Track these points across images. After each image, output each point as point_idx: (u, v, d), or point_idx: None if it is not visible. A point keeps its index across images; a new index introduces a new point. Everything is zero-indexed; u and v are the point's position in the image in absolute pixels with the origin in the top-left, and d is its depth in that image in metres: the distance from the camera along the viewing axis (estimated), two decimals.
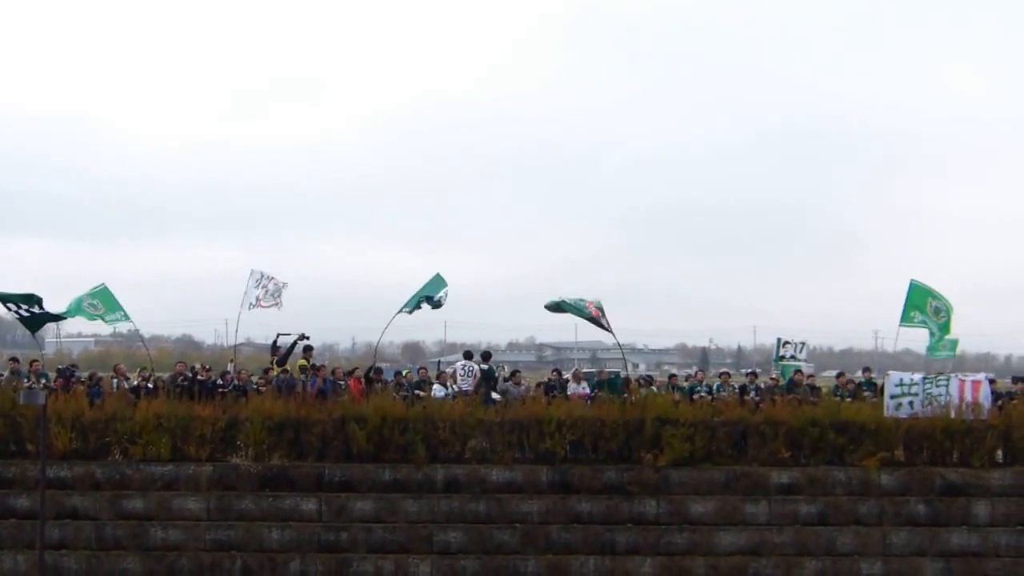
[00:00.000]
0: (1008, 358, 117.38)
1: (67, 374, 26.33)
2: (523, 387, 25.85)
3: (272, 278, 28.11)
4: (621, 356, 29.54)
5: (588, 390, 25.61)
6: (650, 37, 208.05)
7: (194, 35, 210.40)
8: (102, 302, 26.64)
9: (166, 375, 26.57)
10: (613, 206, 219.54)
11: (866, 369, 28.71)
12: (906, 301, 26.78)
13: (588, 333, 26.92)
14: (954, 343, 27.03)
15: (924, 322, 26.87)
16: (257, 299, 27.80)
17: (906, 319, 26.79)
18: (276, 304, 28.33)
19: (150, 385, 25.11)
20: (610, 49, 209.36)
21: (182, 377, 25.01)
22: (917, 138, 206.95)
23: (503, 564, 21.61)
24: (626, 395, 24.32)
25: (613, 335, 26.12)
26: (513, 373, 27.88)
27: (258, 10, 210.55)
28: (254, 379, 26.72)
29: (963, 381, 24.01)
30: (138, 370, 27.14)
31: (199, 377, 25.15)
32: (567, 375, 27.92)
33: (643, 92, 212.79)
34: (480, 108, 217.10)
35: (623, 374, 27.50)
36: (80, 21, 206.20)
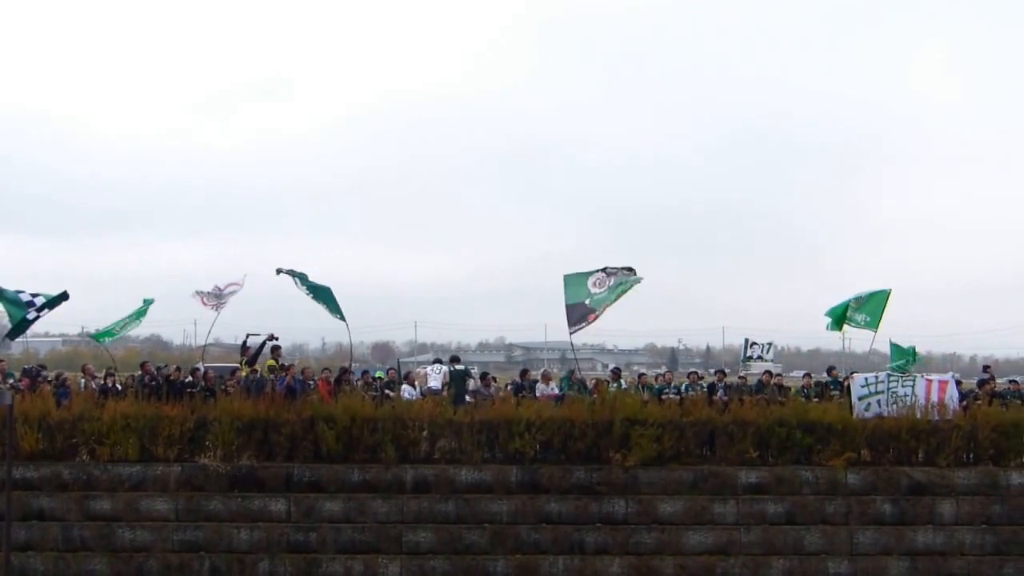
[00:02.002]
0: (973, 358, 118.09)
1: (33, 374, 26.18)
2: (493, 389, 25.89)
3: (220, 287, 28.25)
4: (590, 357, 29.54)
5: (557, 390, 25.65)
6: (623, 39, 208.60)
7: (163, 35, 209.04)
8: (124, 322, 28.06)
9: (134, 375, 26.52)
10: (583, 206, 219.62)
11: (831, 369, 28.86)
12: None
13: (558, 334, 27.11)
14: (912, 351, 27.21)
15: (859, 322, 27.01)
16: (220, 303, 27.83)
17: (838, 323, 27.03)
18: (219, 304, 28.44)
19: (118, 387, 25.01)
20: (583, 50, 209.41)
21: (149, 377, 24.91)
22: (881, 139, 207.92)
23: (472, 564, 21.64)
24: (594, 395, 24.35)
25: (571, 343, 26.20)
26: (483, 375, 27.94)
27: (229, 8, 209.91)
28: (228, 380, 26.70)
29: (930, 381, 24.25)
30: (104, 371, 27.05)
31: (171, 377, 25.09)
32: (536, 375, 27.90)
33: (614, 93, 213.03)
34: (453, 107, 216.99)
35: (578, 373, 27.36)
36: (48, 20, 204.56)
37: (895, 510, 22.27)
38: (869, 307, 26.93)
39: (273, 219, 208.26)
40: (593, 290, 24.92)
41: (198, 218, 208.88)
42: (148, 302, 29.53)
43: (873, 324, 26.80)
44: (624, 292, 24.87)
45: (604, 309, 24.69)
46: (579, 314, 24.85)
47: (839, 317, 27.17)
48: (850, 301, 27.00)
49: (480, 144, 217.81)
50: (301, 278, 26.03)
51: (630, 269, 25.19)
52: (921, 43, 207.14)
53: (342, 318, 26.14)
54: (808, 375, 28.72)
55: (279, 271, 25.90)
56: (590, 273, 25.33)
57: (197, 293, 29.02)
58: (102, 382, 25.52)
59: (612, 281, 24.93)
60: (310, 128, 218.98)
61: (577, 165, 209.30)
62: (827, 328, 27.75)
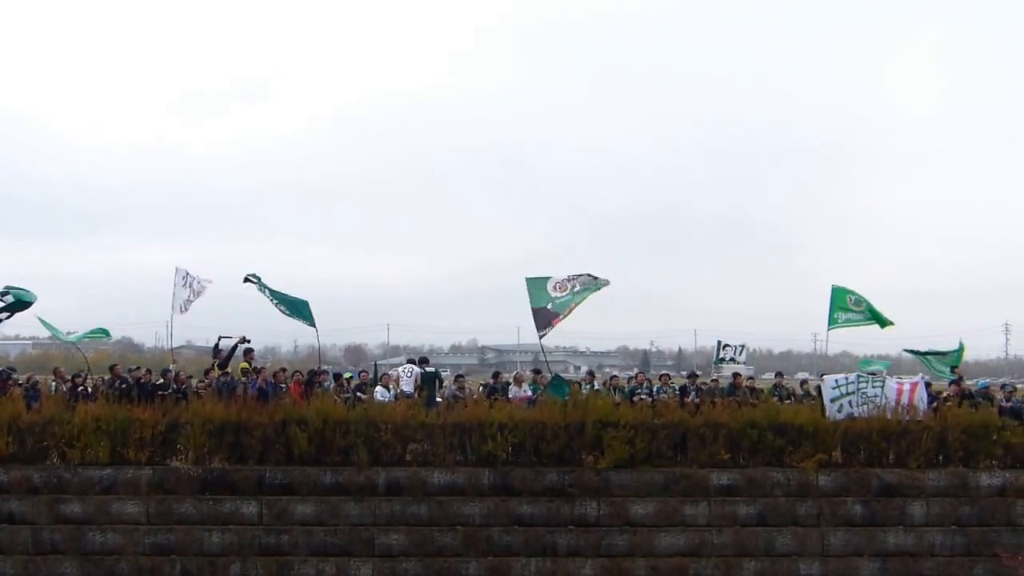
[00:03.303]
0: None
1: (3, 377, 26.04)
2: (467, 391, 25.88)
3: (196, 277, 27.88)
4: (563, 359, 29.66)
5: (529, 393, 25.68)
6: (600, 46, 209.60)
7: (142, 35, 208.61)
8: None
9: (103, 377, 26.41)
10: (557, 209, 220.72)
11: (803, 382, 29.10)
12: (831, 305, 27.02)
13: (531, 336, 27.19)
14: (885, 364, 27.49)
15: (849, 320, 27.12)
16: (187, 300, 27.54)
17: (832, 322, 27.04)
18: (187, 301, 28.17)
19: (89, 389, 24.89)
20: (562, 56, 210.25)
21: (120, 380, 24.80)
22: (855, 144, 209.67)
23: (445, 566, 21.62)
24: (567, 397, 24.38)
25: (541, 346, 26.31)
26: (457, 378, 27.94)
27: (210, 9, 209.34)
28: (193, 381, 26.61)
29: (900, 384, 24.38)
30: (73, 374, 26.92)
31: (141, 380, 24.98)
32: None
33: (592, 99, 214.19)
34: (432, 110, 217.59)
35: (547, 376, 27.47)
36: (23, 22, 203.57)
37: (866, 511, 22.37)
38: (948, 359, 27.46)
39: (248, 221, 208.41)
40: (554, 294, 25.21)
41: (173, 220, 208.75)
42: (103, 333, 29.34)
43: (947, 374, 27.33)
44: (589, 295, 25.13)
45: (569, 311, 24.93)
46: (544, 318, 25.22)
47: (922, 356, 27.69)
48: (930, 356, 27.38)
49: (456, 146, 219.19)
50: (272, 292, 26.07)
51: (593, 277, 25.43)
52: (895, 48, 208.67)
53: (313, 325, 26.27)
54: (780, 375, 28.91)
55: (247, 279, 25.89)
56: (549, 278, 25.61)
57: (183, 309, 28.16)
58: (72, 385, 25.38)
59: (574, 286, 25.22)
60: (288, 130, 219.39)
61: (553, 168, 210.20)
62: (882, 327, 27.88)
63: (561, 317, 24.98)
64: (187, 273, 27.53)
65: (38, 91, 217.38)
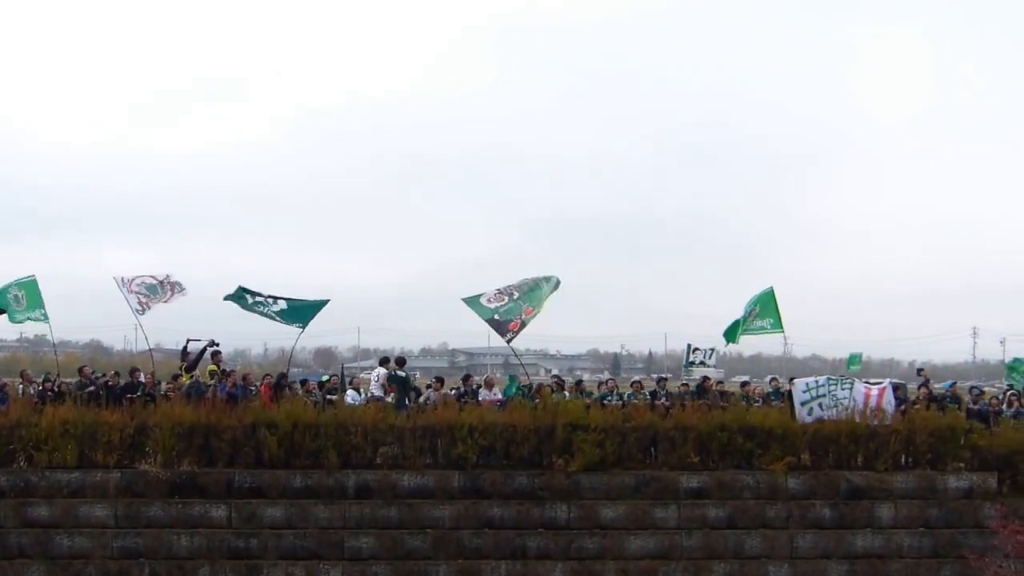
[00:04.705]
0: (912, 363, 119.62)
1: None
2: (440, 393, 25.82)
3: (142, 278, 27.62)
4: (534, 363, 29.77)
5: (500, 396, 25.68)
6: (572, 53, 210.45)
7: (107, 37, 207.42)
8: (27, 295, 26.39)
9: (68, 380, 26.26)
10: (527, 212, 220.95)
11: (773, 379, 29.21)
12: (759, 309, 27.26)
13: (501, 339, 27.06)
14: (856, 357, 27.63)
15: (766, 328, 27.30)
16: (142, 304, 27.26)
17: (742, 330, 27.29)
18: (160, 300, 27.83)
19: (54, 391, 24.73)
20: (535, 61, 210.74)
21: (88, 382, 24.65)
22: (823, 150, 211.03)
23: (415, 569, 21.58)
24: (537, 400, 24.39)
25: (512, 349, 26.51)
26: (438, 379, 27.88)
27: (177, 8, 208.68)
28: (163, 385, 26.45)
29: (868, 388, 24.50)
30: (43, 376, 26.74)
31: (109, 383, 24.84)
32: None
33: (563, 104, 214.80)
34: (404, 112, 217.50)
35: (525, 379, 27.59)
36: None
37: (834, 514, 22.48)
38: (767, 312, 27.23)
39: (216, 222, 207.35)
40: (492, 305, 25.62)
41: (140, 221, 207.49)
42: (31, 287, 27.37)
43: (778, 326, 27.18)
44: (542, 294, 25.49)
45: (528, 313, 25.21)
46: (500, 327, 25.80)
47: (734, 331, 27.55)
48: (745, 315, 27.30)
49: (426, 148, 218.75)
50: (276, 300, 26.19)
51: (533, 279, 25.83)
52: (855, 57, 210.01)
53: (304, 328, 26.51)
54: (747, 383, 29.11)
55: (227, 298, 25.99)
56: (481, 294, 26.23)
57: (139, 311, 27.77)
58: (41, 388, 25.22)
59: (512, 293, 25.61)
60: (258, 131, 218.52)
61: (524, 171, 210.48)
62: (725, 345, 28.15)
63: (518, 321, 25.45)
64: (123, 279, 27.28)
65: (11, 95, 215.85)
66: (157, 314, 27.31)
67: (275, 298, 26.42)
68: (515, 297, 25.86)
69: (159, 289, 27.27)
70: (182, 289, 27.48)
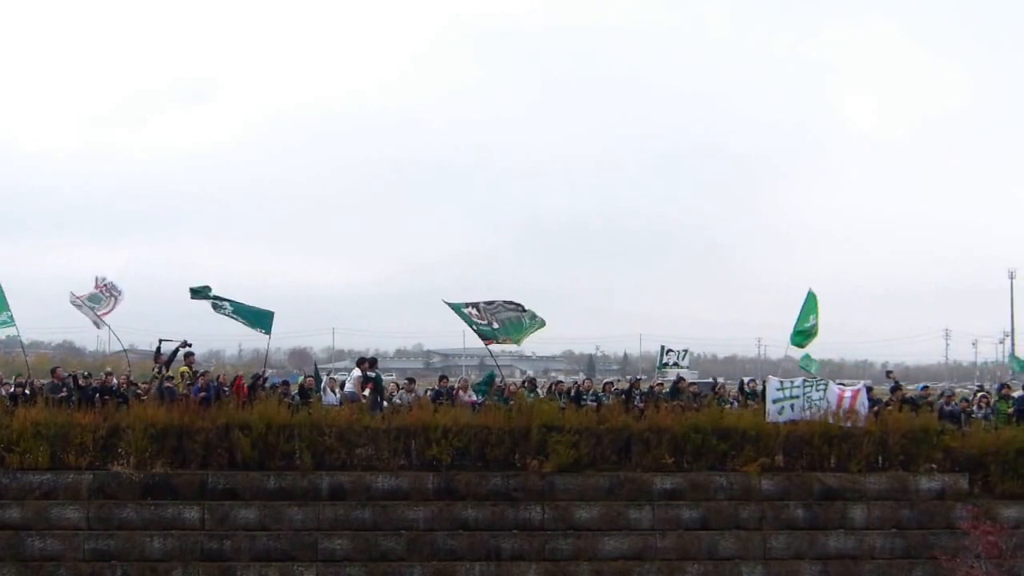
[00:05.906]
0: (884, 365, 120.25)
1: None
2: (414, 395, 25.77)
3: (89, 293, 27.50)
4: (509, 364, 29.84)
5: (475, 398, 25.67)
6: (548, 57, 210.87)
7: (78, 39, 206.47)
8: None
9: (39, 381, 26.10)
10: (501, 214, 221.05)
11: (751, 381, 29.28)
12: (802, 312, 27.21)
13: (476, 340, 27.17)
14: (810, 360, 27.75)
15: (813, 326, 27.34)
16: (99, 316, 27.18)
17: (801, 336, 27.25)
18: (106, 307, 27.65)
19: (27, 392, 24.56)
20: (510, 65, 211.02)
21: (60, 383, 24.51)
22: (794, 154, 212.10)
23: (389, 571, 21.56)
24: (511, 401, 24.38)
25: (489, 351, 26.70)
26: (410, 380, 27.87)
27: (151, 9, 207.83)
28: (140, 385, 26.30)
29: (842, 390, 24.60)
30: (14, 377, 26.55)
31: (81, 384, 24.70)
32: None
33: (536, 107, 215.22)
34: (376, 114, 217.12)
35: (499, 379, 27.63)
36: None
37: (807, 515, 22.57)
38: (815, 313, 27.34)
39: (189, 224, 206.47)
40: (473, 318, 25.97)
41: (112, 223, 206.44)
42: None
43: (817, 327, 27.30)
44: (527, 333, 25.75)
45: (507, 343, 25.54)
46: (480, 336, 26.34)
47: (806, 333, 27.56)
48: (810, 325, 27.31)
49: (399, 150, 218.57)
50: (233, 305, 26.04)
51: (517, 305, 25.95)
52: (834, 64, 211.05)
53: (268, 333, 26.42)
54: (721, 385, 29.23)
55: (195, 295, 25.84)
56: (465, 304, 26.40)
57: (99, 323, 27.59)
58: (12, 389, 25.04)
59: (492, 322, 25.84)
60: (233, 133, 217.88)
61: (498, 173, 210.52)
62: (793, 343, 27.96)
63: (493, 341, 26.07)
64: (72, 294, 27.20)
65: None
66: (129, 314, 27.26)
67: (224, 299, 26.28)
68: (495, 327, 26.12)
69: (101, 297, 27.21)
70: (119, 292, 27.42)
